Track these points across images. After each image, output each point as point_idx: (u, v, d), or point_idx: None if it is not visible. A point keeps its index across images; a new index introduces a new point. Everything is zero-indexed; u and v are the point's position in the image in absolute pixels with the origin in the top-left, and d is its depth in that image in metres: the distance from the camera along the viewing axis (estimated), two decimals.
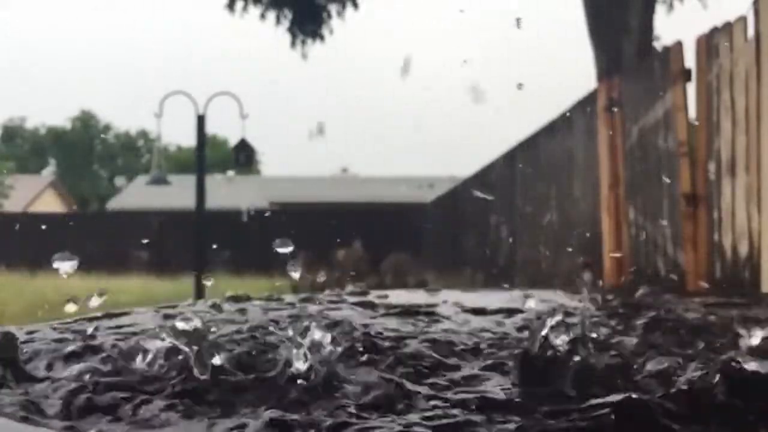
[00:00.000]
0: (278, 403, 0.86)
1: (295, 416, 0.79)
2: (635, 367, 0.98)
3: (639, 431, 0.76)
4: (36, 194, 40.65)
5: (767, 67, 4.71)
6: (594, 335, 1.03)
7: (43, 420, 0.83)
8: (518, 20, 1.60)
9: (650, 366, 0.98)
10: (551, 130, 9.42)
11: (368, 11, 17.42)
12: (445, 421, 0.79)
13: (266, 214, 22.90)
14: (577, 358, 0.94)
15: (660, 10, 12.20)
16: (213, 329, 1.07)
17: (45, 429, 0.81)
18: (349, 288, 1.78)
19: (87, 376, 0.96)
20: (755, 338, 1.07)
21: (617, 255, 5.92)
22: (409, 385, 0.91)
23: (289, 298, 1.70)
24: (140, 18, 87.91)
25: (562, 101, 8.80)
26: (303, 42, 15.36)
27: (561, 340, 0.96)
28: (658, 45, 10.98)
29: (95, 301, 1.28)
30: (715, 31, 5.30)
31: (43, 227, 21.71)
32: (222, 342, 1.07)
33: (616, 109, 6.89)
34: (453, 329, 1.33)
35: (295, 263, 1.30)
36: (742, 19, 5.01)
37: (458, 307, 1.57)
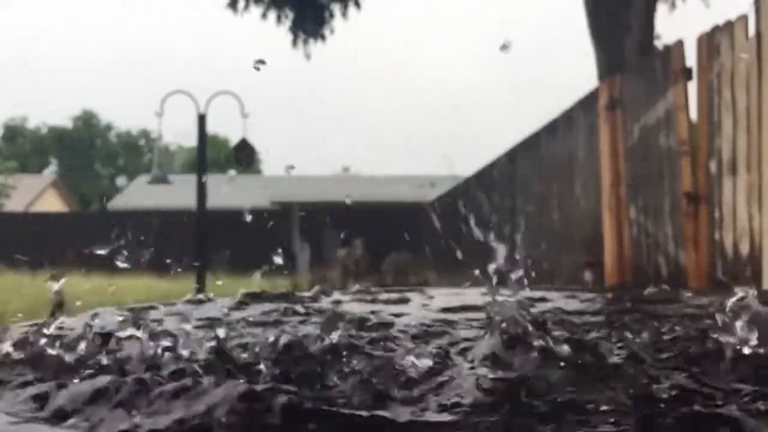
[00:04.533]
0: None
1: None
2: None
3: None
4: (37, 194, 40.64)
5: None
6: None
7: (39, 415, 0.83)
8: (504, 45, 1.58)
9: None
10: (552, 129, 9.41)
11: (370, 10, 17.40)
12: None
13: (265, 215, 22.86)
14: None
15: (661, 9, 12.19)
16: None
17: (35, 425, 0.82)
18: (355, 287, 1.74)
19: None
20: None
21: None
22: None
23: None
24: (141, 17, 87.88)
25: (564, 100, 8.81)
26: (305, 41, 15.35)
27: None
28: (659, 44, 10.98)
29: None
30: (716, 29, 5.30)
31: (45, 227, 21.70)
32: None
33: (617, 109, 6.89)
34: None
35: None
36: (744, 18, 5.01)
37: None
